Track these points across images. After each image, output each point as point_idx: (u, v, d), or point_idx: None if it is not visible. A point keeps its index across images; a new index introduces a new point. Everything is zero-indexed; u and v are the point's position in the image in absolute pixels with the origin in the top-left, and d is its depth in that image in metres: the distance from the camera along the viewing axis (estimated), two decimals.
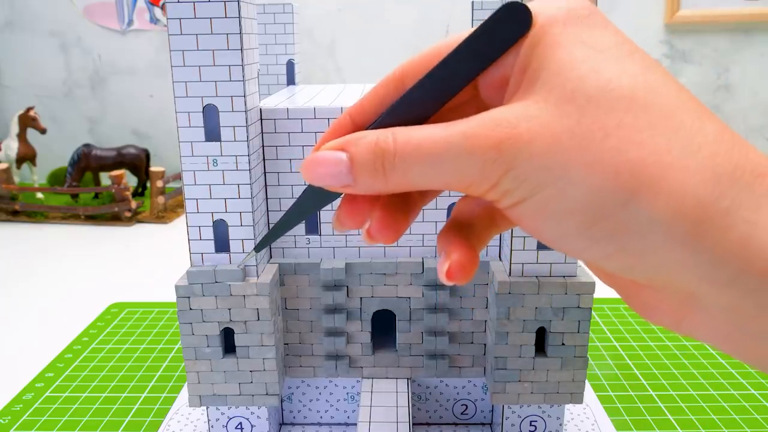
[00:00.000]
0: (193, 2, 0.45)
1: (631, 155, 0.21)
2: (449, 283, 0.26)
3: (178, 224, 1.33)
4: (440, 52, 0.25)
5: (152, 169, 1.35)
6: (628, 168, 0.21)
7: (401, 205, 0.28)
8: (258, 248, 0.32)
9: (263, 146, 0.52)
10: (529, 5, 0.24)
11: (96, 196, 1.42)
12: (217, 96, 0.47)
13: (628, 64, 0.23)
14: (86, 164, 1.43)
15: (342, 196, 0.27)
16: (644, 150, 0.21)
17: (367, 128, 0.26)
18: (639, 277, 0.24)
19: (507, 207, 0.24)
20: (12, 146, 1.46)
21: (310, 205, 0.28)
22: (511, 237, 0.49)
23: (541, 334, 0.52)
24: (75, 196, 1.41)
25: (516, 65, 0.24)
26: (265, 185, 0.53)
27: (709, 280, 0.22)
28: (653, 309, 0.25)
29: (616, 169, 0.21)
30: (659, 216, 0.21)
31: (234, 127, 0.48)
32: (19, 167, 1.48)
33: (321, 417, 0.59)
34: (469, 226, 0.29)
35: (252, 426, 0.56)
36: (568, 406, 0.62)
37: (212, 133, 0.48)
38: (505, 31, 0.24)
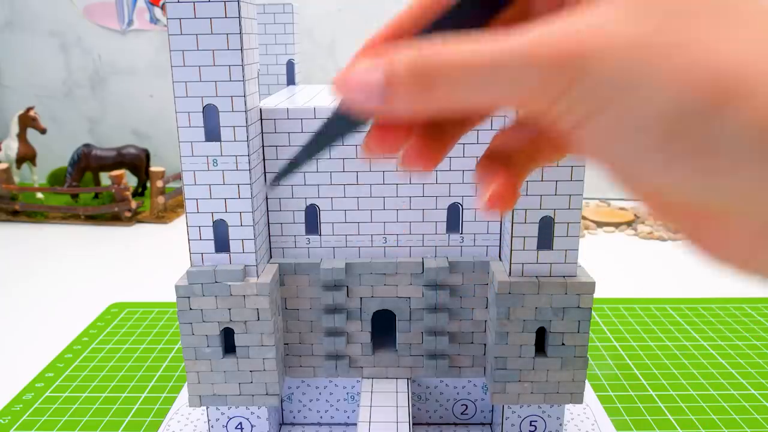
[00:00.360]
0: (193, 2, 0.45)
1: (718, 63, 0.19)
2: (488, 212, 0.25)
3: (178, 224, 1.33)
4: None
5: (152, 169, 1.35)
6: (715, 77, 0.19)
7: (437, 134, 0.25)
8: (275, 180, 0.29)
9: (263, 146, 0.52)
10: None
11: (96, 196, 1.42)
12: (217, 96, 0.47)
13: None
14: (86, 164, 1.43)
15: (373, 120, 0.25)
16: (734, 57, 0.19)
17: (411, 39, 0.23)
18: (718, 201, 0.21)
19: (567, 128, 0.21)
20: (12, 146, 1.46)
21: (335, 130, 0.25)
22: (511, 237, 0.49)
23: (541, 334, 0.52)
24: (75, 196, 1.41)
25: None
26: (266, 185, 0.53)
27: None
28: (722, 245, 0.22)
29: (701, 78, 0.19)
30: (750, 128, 0.19)
31: (234, 127, 0.48)
32: (19, 167, 1.48)
33: (321, 417, 0.59)
34: (507, 158, 0.27)
35: (252, 426, 0.56)
36: (568, 406, 0.62)
37: (212, 133, 0.48)
38: None
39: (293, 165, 0.27)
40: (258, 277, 0.50)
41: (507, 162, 0.27)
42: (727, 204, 0.21)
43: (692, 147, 0.20)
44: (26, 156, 1.48)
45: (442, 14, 0.23)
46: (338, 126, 0.25)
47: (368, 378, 0.56)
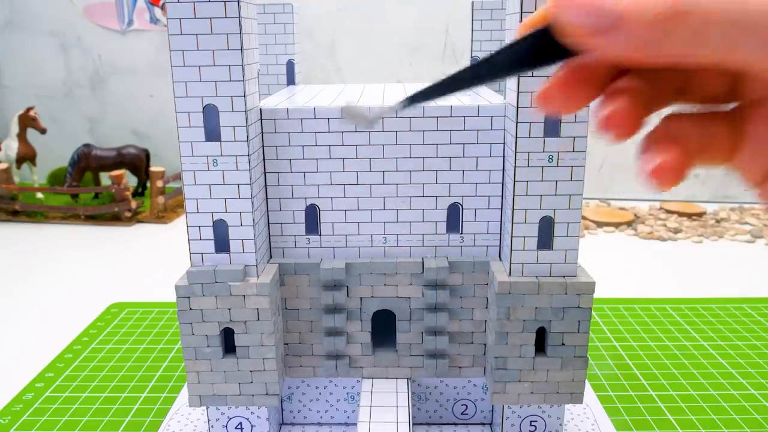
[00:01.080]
0: (193, 2, 0.45)
1: None
2: (653, 184, 0.22)
3: (178, 224, 1.33)
4: None
5: (152, 169, 1.34)
6: None
7: (636, 98, 0.22)
8: (410, 102, 0.24)
9: (263, 146, 0.52)
10: None
11: (96, 196, 1.42)
12: (217, 96, 0.47)
13: None
14: (86, 164, 1.43)
15: (563, 63, 0.22)
16: None
17: None
18: None
19: None
20: (12, 146, 1.46)
21: (514, 62, 0.21)
22: (511, 237, 0.49)
23: (541, 334, 0.52)
24: (75, 196, 1.41)
25: None
26: (265, 185, 0.53)
27: None
28: None
29: None
30: None
31: (234, 127, 0.48)
32: (19, 167, 1.47)
33: (321, 417, 0.59)
34: (678, 137, 0.23)
35: (252, 426, 0.56)
36: (568, 406, 0.62)
37: (212, 133, 0.48)
38: None
39: (440, 89, 0.23)
40: (258, 277, 0.50)
41: (677, 140, 0.23)
42: None
43: None
44: (26, 156, 1.48)
45: None
46: (524, 55, 0.21)
47: (368, 378, 0.56)
